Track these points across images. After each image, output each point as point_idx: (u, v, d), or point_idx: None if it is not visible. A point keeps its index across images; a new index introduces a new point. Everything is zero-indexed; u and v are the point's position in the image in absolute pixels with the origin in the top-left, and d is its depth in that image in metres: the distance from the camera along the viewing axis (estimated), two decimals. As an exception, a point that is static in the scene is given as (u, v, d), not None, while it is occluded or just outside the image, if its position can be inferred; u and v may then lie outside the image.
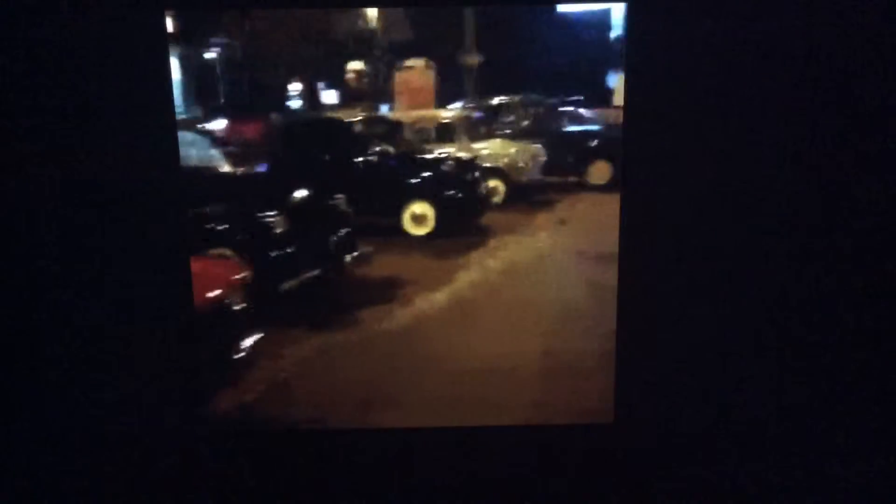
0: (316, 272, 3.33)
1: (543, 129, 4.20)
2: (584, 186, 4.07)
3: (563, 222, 3.82)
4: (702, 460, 2.30)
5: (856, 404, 2.18)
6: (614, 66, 3.66)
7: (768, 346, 2.20)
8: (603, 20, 3.49)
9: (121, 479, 2.25)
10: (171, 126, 2.06)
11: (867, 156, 2.05)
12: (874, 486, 2.25)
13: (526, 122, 4.22)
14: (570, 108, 4.14)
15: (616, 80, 3.72)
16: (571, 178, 4.12)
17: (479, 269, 3.65)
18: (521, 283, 3.54)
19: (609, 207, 3.93)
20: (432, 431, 2.39)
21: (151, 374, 2.16)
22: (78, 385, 2.17)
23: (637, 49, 1.99)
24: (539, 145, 4.17)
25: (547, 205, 3.97)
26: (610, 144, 4.06)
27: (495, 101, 4.26)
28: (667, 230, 2.13)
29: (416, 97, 4.12)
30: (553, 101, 4.18)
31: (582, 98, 4.05)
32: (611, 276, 3.43)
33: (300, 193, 3.49)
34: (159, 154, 2.04)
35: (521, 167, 4.10)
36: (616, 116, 3.91)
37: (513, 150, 4.17)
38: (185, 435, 2.24)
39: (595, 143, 4.11)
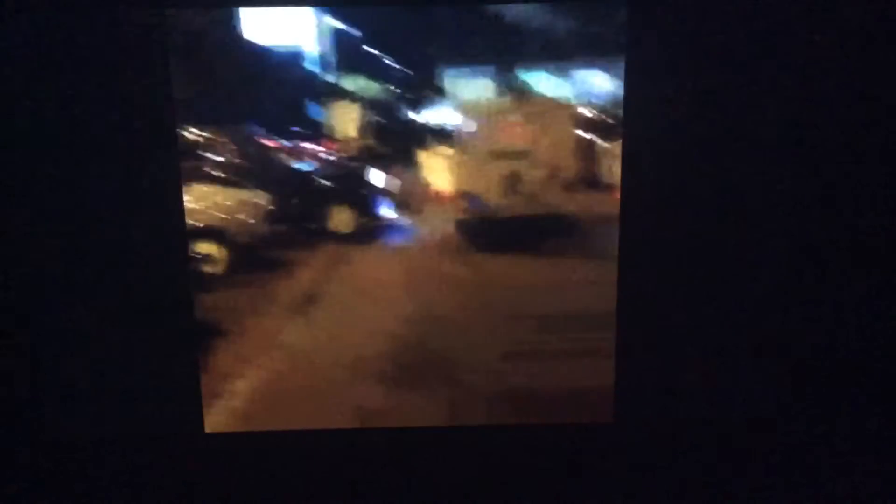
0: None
1: (259, 170, 3.35)
2: (326, 236, 3.39)
3: (312, 299, 3.09)
4: (701, 460, 2.33)
5: (856, 404, 2.37)
6: (320, 99, 3.17)
7: (768, 346, 2.24)
8: (298, 54, 3.16)
9: (120, 480, 2.23)
10: (171, 126, 2.21)
11: (867, 155, 2.07)
12: (875, 485, 2.44)
13: (237, 161, 3.30)
14: (287, 143, 3.37)
15: (325, 113, 3.18)
16: (311, 226, 3.39)
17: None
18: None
19: (366, 265, 3.33)
20: (432, 431, 2.38)
21: (151, 376, 2.19)
22: (77, 387, 2.23)
23: (637, 48, 1.99)
24: (259, 190, 3.32)
25: (285, 269, 3.18)
26: (347, 184, 3.44)
27: (190, 134, 3.21)
28: (666, 230, 2.14)
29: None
30: (262, 134, 3.35)
31: (296, 131, 3.36)
32: (406, 396, 2.84)
33: None
34: (159, 155, 2.17)
35: (244, 222, 3.20)
36: (344, 150, 3.30)
37: (227, 200, 3.21)
38: (183, 436, 2.20)
39: (329, 183, 3.43)
